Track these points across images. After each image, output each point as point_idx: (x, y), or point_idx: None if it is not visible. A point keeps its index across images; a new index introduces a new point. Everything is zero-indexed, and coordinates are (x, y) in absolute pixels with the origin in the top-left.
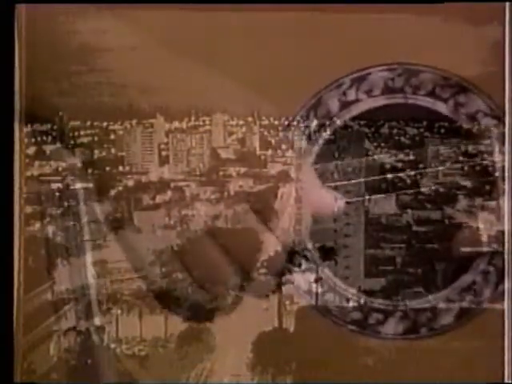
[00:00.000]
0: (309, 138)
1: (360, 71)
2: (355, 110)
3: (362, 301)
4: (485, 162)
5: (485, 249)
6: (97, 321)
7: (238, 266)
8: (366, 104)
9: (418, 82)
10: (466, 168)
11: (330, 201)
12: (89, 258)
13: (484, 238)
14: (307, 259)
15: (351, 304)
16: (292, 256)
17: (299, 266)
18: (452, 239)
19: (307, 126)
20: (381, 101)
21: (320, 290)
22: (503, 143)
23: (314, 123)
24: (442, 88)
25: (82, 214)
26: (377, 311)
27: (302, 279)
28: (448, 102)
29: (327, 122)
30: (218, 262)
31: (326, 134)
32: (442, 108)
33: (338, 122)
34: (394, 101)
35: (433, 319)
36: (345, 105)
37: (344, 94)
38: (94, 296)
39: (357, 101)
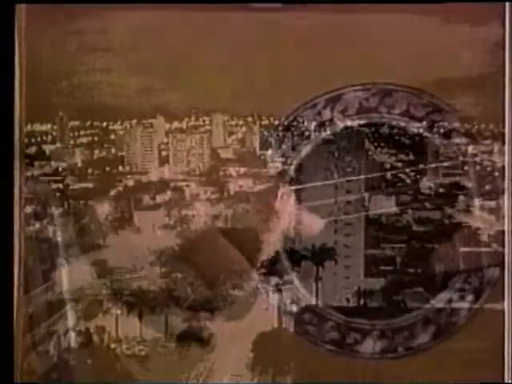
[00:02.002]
0: (285, 157)
1: (334, 91)
2: (330, 130)
3: (340, 320)
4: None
5: (462, 266)
6: (97, 321)
7: (238, 265)
8: (342, 124)
9: (392, 101)
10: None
11: (309, 223)
12: (89, 258)
13: (484, 238)
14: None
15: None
16: (292, 256)
17: (299, 265)
18: (452, 239)
19: (282, 145)
20: (356, 120)
21: (295, 310)
22: (503, 143)
23: (289, 143)
24: (415, 107)
25: (82, 214)
26: (354, 331)
27: (276, 296)
28: (423, 121)
29: (303, 142)
30: (218, 261)
31: (302, 153)
32: (416, 127)
33: (312, 144)
34: (369, 121)
35: (410, 338)
36: (320, 124)
37: (319, 113)
38: (93, 296)
39: (331, 121)
